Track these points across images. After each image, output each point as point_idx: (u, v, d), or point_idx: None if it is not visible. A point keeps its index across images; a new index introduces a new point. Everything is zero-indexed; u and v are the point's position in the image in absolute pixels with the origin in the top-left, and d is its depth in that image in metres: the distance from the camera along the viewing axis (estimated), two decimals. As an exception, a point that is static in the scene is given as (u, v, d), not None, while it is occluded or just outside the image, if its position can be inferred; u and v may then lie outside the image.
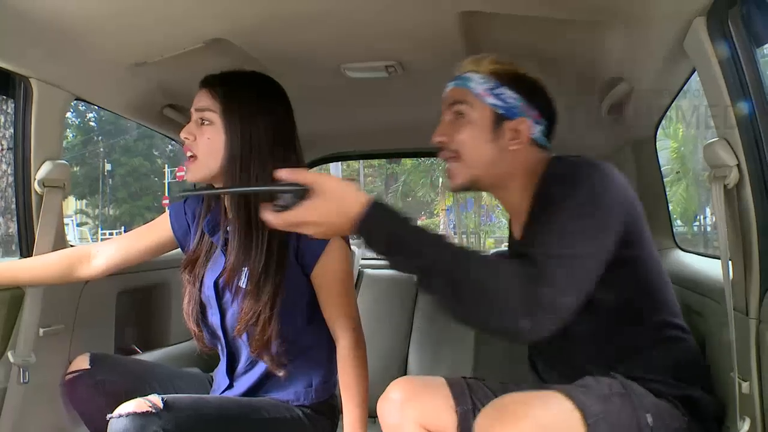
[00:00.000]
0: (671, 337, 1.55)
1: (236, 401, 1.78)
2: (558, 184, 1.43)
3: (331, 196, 1.25)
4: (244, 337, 1.78)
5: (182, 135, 1.76)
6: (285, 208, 1.25)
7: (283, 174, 1.26)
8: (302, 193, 1.24)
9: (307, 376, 1.85)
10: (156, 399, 1.54)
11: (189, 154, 1.75)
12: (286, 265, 1.75)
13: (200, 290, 1.86)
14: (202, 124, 1.74)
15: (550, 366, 1.70)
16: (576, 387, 1.37)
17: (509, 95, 1.57)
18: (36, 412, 1.90)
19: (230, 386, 1.89)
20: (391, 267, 1.35)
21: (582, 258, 1.33)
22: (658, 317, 1.55)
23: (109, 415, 1.52)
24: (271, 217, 1.26)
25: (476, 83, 1.59)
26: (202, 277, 1.86)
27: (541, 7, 1.57)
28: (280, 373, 1.78)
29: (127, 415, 1.50)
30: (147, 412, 1.50)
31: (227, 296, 1.81)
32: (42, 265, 1.88)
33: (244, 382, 1.86)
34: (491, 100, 1.57)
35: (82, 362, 1.81)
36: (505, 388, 1.67)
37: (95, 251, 1.93)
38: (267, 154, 1.73)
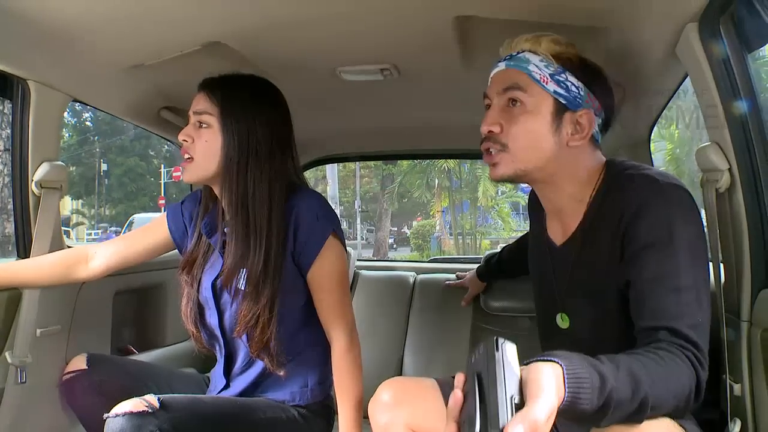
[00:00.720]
0: None
1: (232, 401, 1.79)
2: (653, 216, 1.29)
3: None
4: (244, 337, 1.78)
5: (180, 137, 1.77)
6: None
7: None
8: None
9: (303, 377, 1.87)
10: (152, 399, 1.55)
11: (186, 156, 1.76)
12: (284, 266, 1.75)
13: (198, 291, 1.87)
14: (200, 126, 1.75)
15: None
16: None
17: (573, 82, 1.41)
18: (33, 412, 1.91)
19: (227, 386, 1.89)
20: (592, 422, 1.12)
21: (708, 303, 1.27)
22: None
23: (105, 415, 1.53)
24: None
25: (536, 66, 1.42)
26: (200, 279, 1.87)
27: (535, 13, 1.58)
28: (280, 372, 1.79)
29: (124, 414, 1.50)
30: (143, 411, 1.51)
31: (225, 297, 1.82)
32: (39, 266, 1.89)
33: (240, 382, 1.87)
34: (554, 87, 1.41)
35: (79, 363, 1.82)
36: None
37: (93, 252, 1.94)
38: (265, 156, 1.74)
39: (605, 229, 1.37)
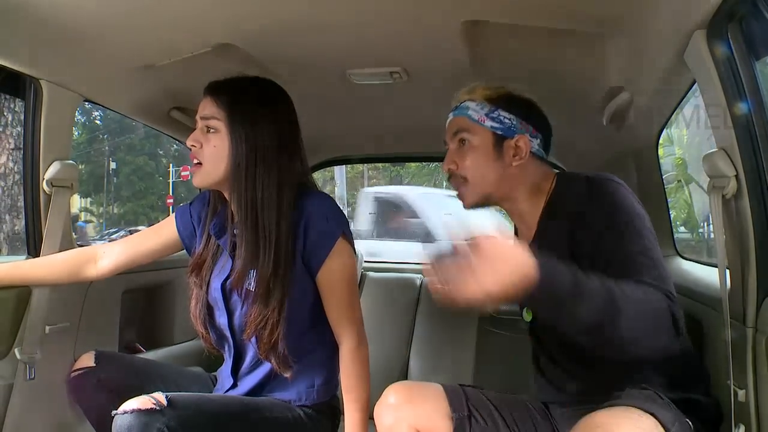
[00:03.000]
0: (682, 345, 1.51)
1: (239, 400, 1.80)
2: (595, 203, 1.50)
3: (498, 253, 1.12)
4: (252, 338, 1.79)
5: (188, 143, 1.78)
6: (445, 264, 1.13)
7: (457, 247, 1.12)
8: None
9: (309, 377, 1.87)
10: (160, 396, 1.55)
11: (195, 161, 1.77)
12: (294, 268, 1.76)
13: (207, 292, 1.88)
14: (208, 131, 1.76)
15: (559, 375, 1.70)
16: (639, 400, 1.34)
17: (505, 116, 1.68)
18: (41, 408, 1.92)
19: (234, 385, 1.90)
20: (563, 319, 1.26)
21: (666, 266, 1.43)
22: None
23: (113, 412, 1.54)
24: (429, 270, 1.16)
25: (473, 110, 1.70)
26: (209, 280, 1.88)
27: (544, 18, 1.59)
28: (287, 374, 1.79)
29: (132, 411, 1.51)
30: (151, 409, 1.52)
31: (235, 298, 1.82)
32: (49, 265, 1.91)
33: (248, 382, 1.88)
34: (489, 123, 1.68)
35: (87, 360, 1.83)
36: (504, 399, 1.70)
37: (102, 252, 1.96)
38: (272, 159, 1.75)
39: (558, 222, 1.59)
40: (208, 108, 1.76)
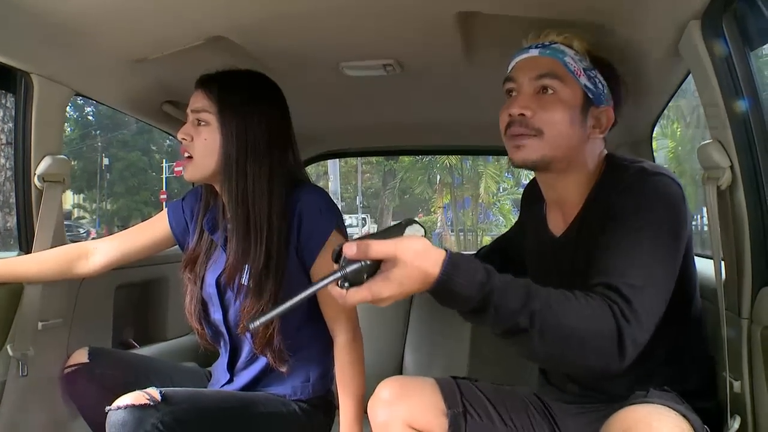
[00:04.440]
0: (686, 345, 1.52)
1: (233, 395, 1.80)
2: (631, 196, 1.36)
3: (410, 265, 1.07)
4: (247, 333, 1.79)
5: (179, 136, 1.78)
6: (354, 283, 1.07)
7: (350, 251, 1.06)
8: (373, 268, 1.08)
9: (304, 371, 1.87)
10: (154, 392, 1.55)
11: (186, 155, 1.77)
12: (287, 262, 1.76)
13: (201, 288, 1.88)
14: (199, 124, 1.75)
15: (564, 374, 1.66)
16: (670, 401, 1.31)
17: (601, 79, 1.50)
18: (35, 405, 1.91)
19: (230, 381, 1.90)
20: (474, 322, 1.20)
21: (664, 289, 1.28)
22: (687, 325, 1.53)
23: (107, 408, 1.53)
24: (340, 294, 1.09)
25: (571, 58, 1.48)
26: (203, 276, 1.87)
27: (538, 8, 1.58)
28: (283, 369, 1.79)
29: (125, 407, 1.51)
30: (145, 404, 1.52)
31: (229, 294, 1.82)
32: (40, 261, 1.89)
33: (243, 377, 1.88)
34: (585, 80, 1.48)
35: (80, 356, 1.83)
36: (498, 390, 1.68)
37: (93, 248, 1.95)
38: (263, 153, 1.75)
39: (600, 216, 1.41)
40: (199, 101, 1.76)
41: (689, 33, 1.39)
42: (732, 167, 1.39)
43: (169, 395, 1.57)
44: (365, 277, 1.07)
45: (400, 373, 2.67)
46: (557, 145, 1.46)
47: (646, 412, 1.23)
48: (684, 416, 1.25)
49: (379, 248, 1.06)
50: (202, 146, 1.75)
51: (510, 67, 1.57)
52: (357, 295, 1.07)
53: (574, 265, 1.49)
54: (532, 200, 1.78)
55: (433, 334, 2.71)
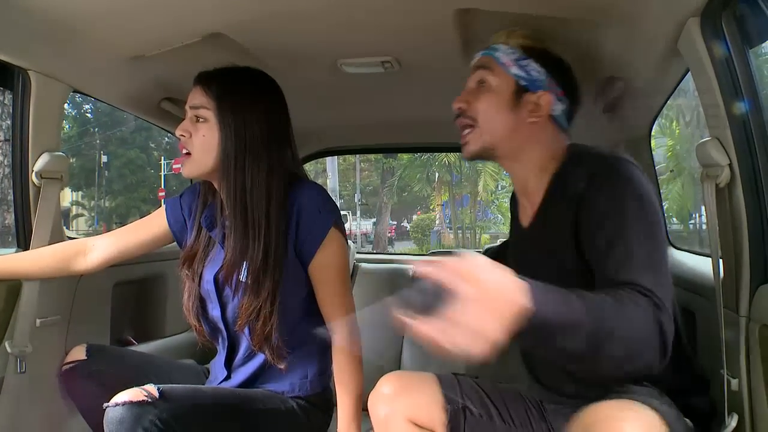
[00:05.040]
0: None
1: (231, 392, 1.80)
2: (607, 188, 1.36)
3: (485, 290, 0.94)
4: (246, 330, 1.79)
5: (177, 133, 1.77)
6: (425, 310, 0.93)
7: (423, 270, 0.96)
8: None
9: (303, 368, 1.87)
10: (152, 388, 1.55)
11: (185, 151, 1.77)
12: (285, 259, 1.76)
13: (199, 285, 1.87)
14: (197, 121, 1.75)
15: (551, 371, 1.66)
16: (641, 395, 1.32)
17: (534, 68, 1.57)
18: (33, 402, 1.91)
19: (228, 377, 1.90)
20: (554, 350, 1.10)
21: (667, 269, 1.30)
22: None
23: (105, 404, 1.53)
24: (412, 324, 0.94)
25: (502, 53, 1.59)
26: (201, 273, 1.87)
27: (537, 5, 1.58)
28: (281, 366, 1.79)
29: (123, 404, 1.51)
30: (143, 401, 1.51)
31: (227, 290, 1.82)
32: (37, 258, 1.89)
33: (241, 374, 1.88)
34: (515, 70, 1.57)
35: (78, 353, 1.82)
36: (498, 390, 1.70)
37: (91, 245, 1.94)
38: (262, 150, 1.74)
39: (562, 203, 1.46)
40: (197, 97, 1.75)
41: (688, 31, 1.39)
42: (731, 165, 1.39)
43: (167, 392, 1.57)
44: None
45: (399, 368, 2.66)
46: (491, 131, 1.58)
47: (609, 408, 1.25)
48: (656, 410, 1.25)
49: (451, 268, 0.94)
50: (200, 143, 1.74)
51: None
52: (427, 326, 0.92)
53: (540, 254, 1.55)
54: (513, 201, 1.83)
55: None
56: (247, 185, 1.73)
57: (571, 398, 1.57)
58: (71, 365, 1.81)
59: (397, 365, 2.69)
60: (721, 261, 1.50)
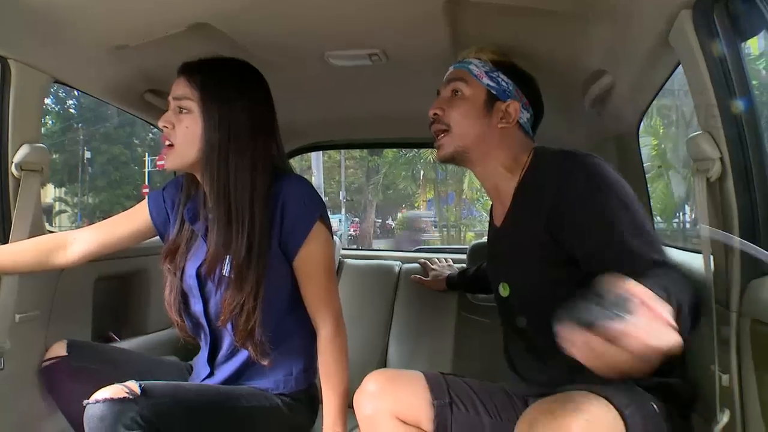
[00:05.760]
0: None
1: (215, 389, 1.78)
2: (571, 180, 1.51)
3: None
4: (228, 326, 1.77)
5: (160, 124, 1.75)
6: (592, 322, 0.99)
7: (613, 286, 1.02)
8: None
9: (287, 365, 1.85)
10: (133, 385, 1.52)
11: (167, 142, 1.75)
12: (269, 253, 1.73)
13: (182, 279, 1.85)
14: (180, 112, 1.73)
15: (540, 367, 1.69)
16: (592, 384, 1.34)
17: (504, 79, 1.72)
18: (12, 399, 1.88)
19: (211, 374, 1.88)
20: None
21: (655, 233, 1.47)
22: None
23: (85, 401, 1.50)
24: (580, 337, 1.00)
25: (475, 66, 1.74)
26: (183, 267, 1.84)
27: None
28: (264, 362, 1.77)
29: (104, 401, 1.48)
30: (124, 398, 1.49)
31: (210, 285, 1.80)
32: (16, 252, 1.86)
33: (224, 370, 1.86)
34: (486, 81, 1.72)
35: (59, 349, 1.80)
36: (485, 387, 1.71)
37: (72, 238, 1.91)
38: (246, 142, 1.73)
39: (532, 201, 1.59)
40: (180, 88, 1.73)
41: (680, 23, 1.38)
42: (722, 159, 1.38)
43: (148, 388, 1.54)
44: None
45: (385, 365, 2.66)
46: (464, 136, 1.72)
47: (553, 402, 1.29)
48: (605, 397, 1.29)
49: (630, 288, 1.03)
50: (183, 134, 1.72)
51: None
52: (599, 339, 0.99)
53: (511, 251, 1.71)
54: (491, 208, 1.92)
55: (417, 327, 2.69)
56: (230, 177, 1.71)
57: (546, 388, 1.57)
58: (52, 362, 1.79)
59: (383, 362, 2.67)
60: (711, 256, 1.49)
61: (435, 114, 1.75)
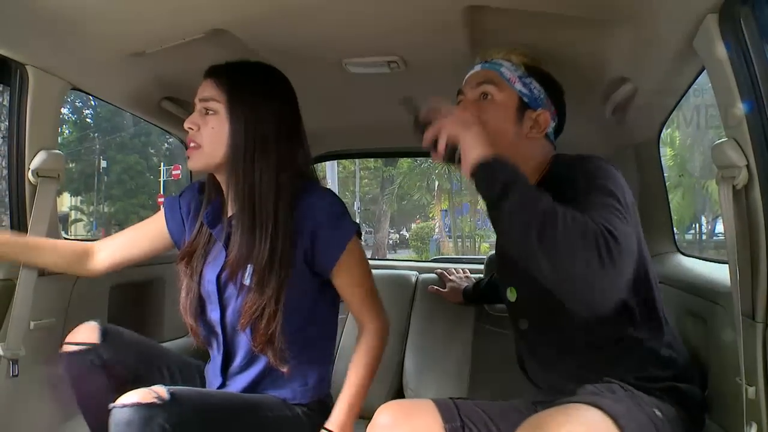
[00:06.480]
0: (656, 335, 1.57)
1: (240, 397, 1.76)
2: (580, 170, 1.47)
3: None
4: (247, 332, 1.75)
5: (186, 125, 1.74)
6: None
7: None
8: None
9: (303, 376, 1.84)
10: (162, 390, 1.50)
11: (192, 144, 1.74)
12: (291, 263, 1.72)
13: (200, 284, 1.83)
14: (207, 113, 1.73)
15: (543, 371, 1.71)
16: (590, 395, 1.37)
17: (536, 86, 1.66)
18: (26, 407, 1.88)
19: (223, 385, 1.85)
20: (497, 214, 1.32)
21: (634, 237, 1.30)
22: (649, 316, 1.57)
23: (111, 405, 1.48)
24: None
25: (507, 69, 1.67)
26: (201, 271, 1.83)
27: (549, 3, 1.55)
28: (283, 369, 1.75)
29: (132, 405, 1.45)
30: (152, 403, 1.46)
31: (229, 292, 1.78)
32: (55, 248, 1.88)
33: (239, 381, 1.83)
34: (519, 86, 1.65)
35: (90, 333, 1.74)
36: (496, 408, 1.68)
37: (98, 248, 1.94)
38: (272, 145, 1.72)
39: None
40: (208, 90, 1.73)
41: (706, 28, 1.35)
42: (748, 166, 1.35)
43: (177, 395, 1.52)
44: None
45: (401, 373, 2.66)
46: (494, 143, 1.49)
47: (547, 415, 1.29)
48: (599, 407, 1.30)
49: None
50: (209, 134, 1.72)
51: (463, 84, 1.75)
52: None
53: None
54: None
55: (434, 337, 2.67)
56: (256, 181, 1.70)
57: (553, 395, 1.57)
58: (81, 348, 1.72)
59: (399, 373, 2.65)
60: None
61: None
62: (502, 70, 1.67)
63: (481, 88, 1.67)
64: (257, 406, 1.73)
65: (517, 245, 1.27)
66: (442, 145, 1.45)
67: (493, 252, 2.72)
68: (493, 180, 1.32)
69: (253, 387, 1.83)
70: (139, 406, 1.45)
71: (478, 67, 1.72)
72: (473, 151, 1.39)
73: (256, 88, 1.74)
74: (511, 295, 1.76)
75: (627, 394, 1.44)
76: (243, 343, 1.81)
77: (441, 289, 2.72)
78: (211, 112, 1.72)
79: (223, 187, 1.81)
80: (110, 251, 1.93)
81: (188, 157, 1.77)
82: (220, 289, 1.80)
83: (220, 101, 1.71)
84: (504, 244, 1.43)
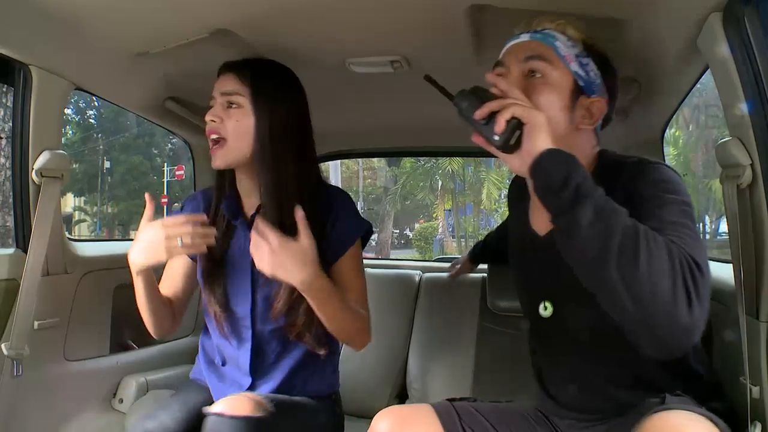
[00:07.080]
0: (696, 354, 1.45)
1: (300, 404, 1.78)
2: (651, 181, 1.26)
3: None
4: (279, 321, 1.74)
5: (208, 118, 1.73)
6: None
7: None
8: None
9: (330, 364, 1.90)
10: (259, 399, 1.56)
11: (215, 137, 1.73)
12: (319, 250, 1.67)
13: (227, 275, 1.82)
14: (230, 107, 1.72)
15: (562, 382, 1.58)
16: (693, 406, 1.25)
17: (593, 69, 1.41)
18: (29, 406, 1.88)
19: (252, 385, 1.80)
20: (565, 222, 1.14)
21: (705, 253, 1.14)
22: None
23: (205, 409, 1.53)
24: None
25: (562, 43, 1.40)
26: (226, 263, 1.82)
27: (552, 2, 1.54)
28: (321, 351, 1.77)
29: (231, 417, 1.50)
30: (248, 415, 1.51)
31: (261, 282, 1.76)
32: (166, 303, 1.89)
33: (272, 379, 1.81)
34: (576, 67, 1.39)
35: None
36: (497, 411, 1.64)
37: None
38: (292, 138, 1.74)
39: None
40: (230, 84, 1.73)
41: (710, 27, 1.35)
42: (752, 165, 1.35)
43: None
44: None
45: (404, 373, 2.66)
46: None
47: (679, 420, 1.16)
48: (712, 422, 1.18)
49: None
50: (234, 128, 1.71)
51: (501, 54, 1.48)
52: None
53: (560, 264, 1.25)
54: (517, 197, 1.70)
55: (438, 336, 2.67)
56: (282, 171, 1.71)
57: (580, 410, 1.53)
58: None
59: (402, 372, 2.65)
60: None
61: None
62: (557, 44, 1.39)
63: (530, 63, 1.39)
64: (316, 412, 1.80)
65: (587, 267, 1.13)
66: (502, 122, 1.20)
67: (489, 230, 2.69)
68: (566, 181, 1.12)
69: (290, 382, 1.80)
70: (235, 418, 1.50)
71: (525, 36, 1.44)
72: (541, 138, 1.18)
73: (277, 82, 1.76)
74: (545, 310, 1.53)
75: (704, 408, 1.27)
76: (273, 335, 1.79)
77: (454, 269, 2.77)
78: (234, 105, 1.72)
79: (244, 182, 1.81)
80: (180, 301, 1.94)
81: (213, 155, 1.74)
82: (254, 280, 1.78)
83: (244, 95, 1.71)
84: (568, 260, 1.16)
